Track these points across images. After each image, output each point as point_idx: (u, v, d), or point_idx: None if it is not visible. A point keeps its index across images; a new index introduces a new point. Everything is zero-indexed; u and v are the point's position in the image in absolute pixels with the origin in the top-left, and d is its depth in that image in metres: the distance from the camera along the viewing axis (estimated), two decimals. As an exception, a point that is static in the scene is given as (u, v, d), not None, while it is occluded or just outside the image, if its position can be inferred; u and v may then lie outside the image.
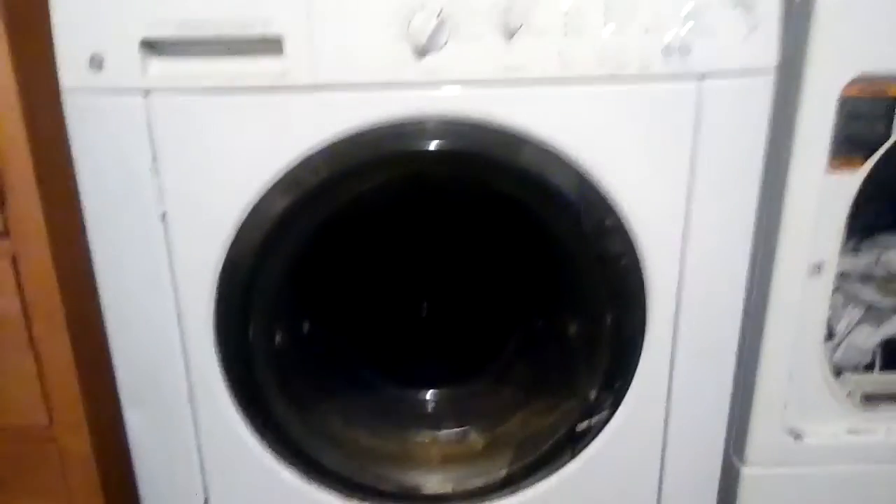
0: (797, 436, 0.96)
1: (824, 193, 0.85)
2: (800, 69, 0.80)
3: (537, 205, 0.79)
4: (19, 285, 0.87)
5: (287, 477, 0.89)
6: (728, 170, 0.79)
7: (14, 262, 0.86)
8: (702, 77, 0.74)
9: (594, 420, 0.87)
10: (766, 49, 0.74)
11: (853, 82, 0.80)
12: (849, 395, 0.98)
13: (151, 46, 0.71)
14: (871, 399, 0.99)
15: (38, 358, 0.91)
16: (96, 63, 0.70)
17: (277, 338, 0.87)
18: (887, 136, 0.84)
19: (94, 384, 0.95)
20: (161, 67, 0.71)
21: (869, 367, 1.03)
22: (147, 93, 0.72)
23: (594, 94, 0.74)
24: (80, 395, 0.93)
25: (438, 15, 0.69)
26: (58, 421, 0.94)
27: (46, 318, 0.89)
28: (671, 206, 0.79)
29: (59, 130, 0.75)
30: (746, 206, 0.81)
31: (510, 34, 0.71)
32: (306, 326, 0.96)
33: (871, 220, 1.05)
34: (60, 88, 0.72)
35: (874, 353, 1.02)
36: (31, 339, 0.89)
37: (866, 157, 0.84)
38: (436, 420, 0.99)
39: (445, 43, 0.71)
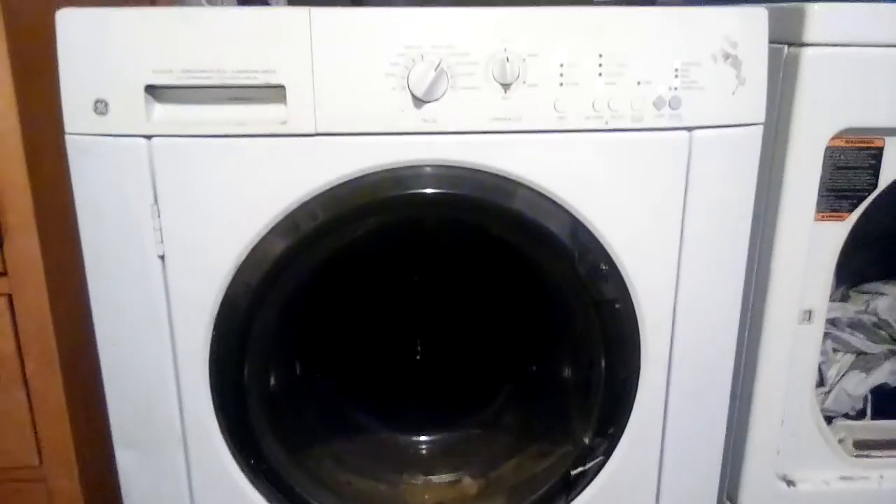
0: (790, 482, 0.96)
1: (813, 242, 0.86)
2: (787, 122, 0.82)
3: (532, 250, 0.81)
4: (14, 324, 0.87)
5: (278, 520, 0.88)
6: (719, 217, 0.80)
7: (10, 301, 0.86)
8: (692, 128, 0.76)
9: (588, 465, 0.86)
10: (754, 104, 0.77)
11: (839, 134, 0.83)
12: (841, 441, 0.98)
13: (155, 93, 0.72)
14: (863, 446, 0.99)
15: (30, 396, 0.90)
16: (100, 108, 0.72)
17: (272, 380, 0.87)
18: (874, 186, 0.86)
19: (86, 424, 0.94)
20: (164, 113, 0.73)
21: (860, 413, 1.03)
22: (150, 137, 0.73)
23: (588, 143, 0.76)
24: (72, 434, 0.93)
25: (437, 67, 0.71)
26: (48, 461, 0.93)
27: (40, 356, 0.89)
28: (664, 252, 0.80)
29: (60, 172, 0.76)
30: (737, 253, 0.82)
31: (507, 85, 0.73)
32: (300, 369, 0.96)
33: (859, 268, 1.07)
34: (64, 132, 0.74)
35: (865, 400, 1.03)
36: (24, 377, 0.89)
37: (853, 207, 0.86)
38: (429, 464, 0.98)
39: (444, 93, 0.72)
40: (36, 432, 0.92)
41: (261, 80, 0.71)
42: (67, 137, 0.73)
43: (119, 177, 0.74)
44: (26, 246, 0.84)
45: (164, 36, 0.71)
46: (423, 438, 1.02)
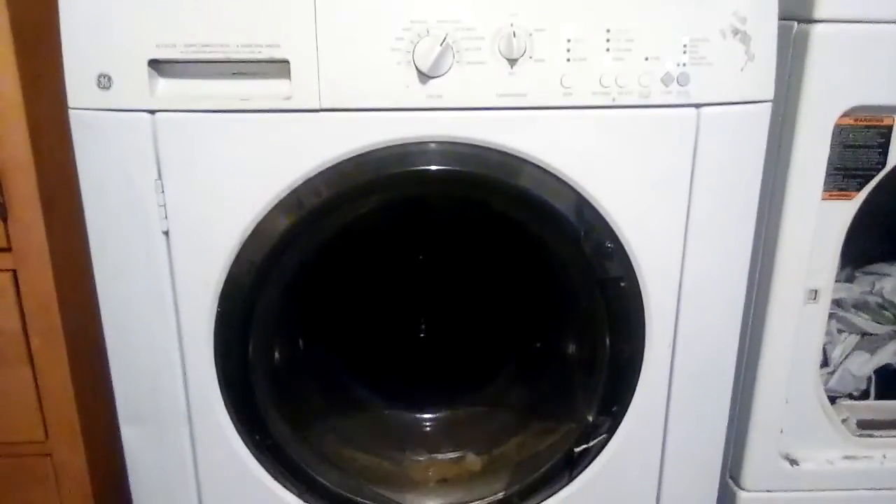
0: (793, 461, 0.97)
1: (820, 221, 0.86)
2: (796, 99, 0.81)
3: (537, 228, 0.80)
4: (19, 300, 0.87)
5: (283, 495, 0.88)
6: (726, 195, 0.80)
7: (15, 276, 0.86)
8: (700, 105, 0.75)
9: (592, 443, 0.87)
10: (763, 81, 0.76)
11: (848, 112, 0.82)
12: (844, 421, 0.99)
13: (159, 67, 0.72)
14: (867, 426, 0.99)
15: (35, 372, 0.91)
16: (104, 83, 0.71)
17: (276, 356, 0.87)
18: (882, 165, 0.85)
19: (91, 400, 0.95)
20: (168, 88, 0.72)
21: (864, 394, 1.03)
22: (153, 112, 0.73)
23: (595, 120, 0.75)
24: (77, 410, 0.93)
25: (443, 41, 0.70)
26: (53, 436, 0.94)
27: (45, 332, 0.89)
28: (670, 230, 0.80)
29: (64, 148, 0.76)
30: (744, 231, 0.82)
31: (513, 61, 0.72)
32: (305, 346, 0.96)
33: (865, 248, 1.06)
34: (67, 107, 0.73)
35: (869, 381, 1.03)
36: (29, 353, 0.90)
37: (861, 186, 0.86)
38: (433, 441, 0.99)
39: (449, 69, 0.72)
40: (42, 408, 0.92)
41: (265, 54, 0.71)
42: (71, 112, 0.73)
43: (123, 152, 0.74)
44: (30, 221, 0.84)
45: (167, 10, 0.70)
46: (427, 415, 1.03)
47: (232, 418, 0.84)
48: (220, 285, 0.78)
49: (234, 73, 0.72)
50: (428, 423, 1.02)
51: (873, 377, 1.03)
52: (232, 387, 0.83)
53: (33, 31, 0.79)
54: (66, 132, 0.74)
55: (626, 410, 0.86)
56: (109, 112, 0.72)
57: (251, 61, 0.71)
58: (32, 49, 0.80)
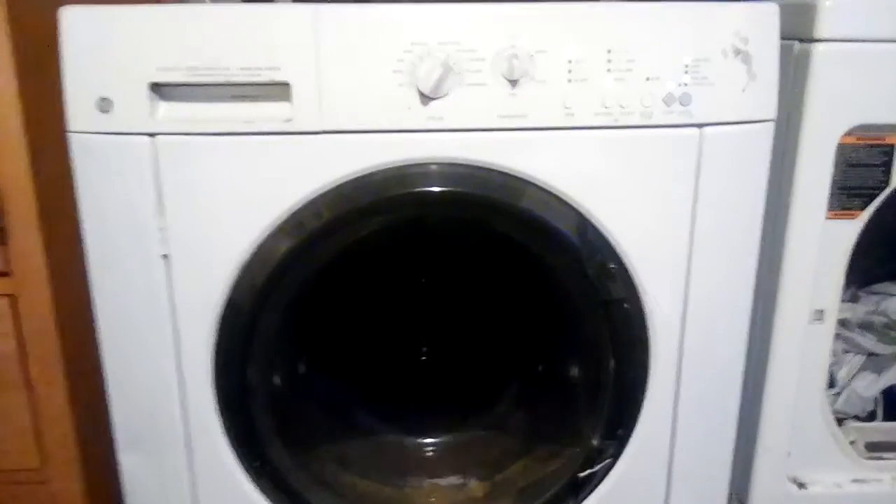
0: (801, 484, 0.95)
1: (824, 240, 0.86)
2: (798, 119, 0.81)
3: (540, 249, 0.80)
4: (17, 324, 0.86)
5: (283, 523, 0.87)
6: (729, 215, 0.79)
7: (13, 301, 0.86)
8: (702, 125, 0.75)
9: (597, 467, 0.85)
10: (765, 100, 0.76)
11: (851, 131, 0.82)
12: (852, 443, 0.97)
13: (159, 90, 0.72)
14: (876, 448, 0.98)
15: (32, 398, 0.89)
16: (104, 106, 0.71)
17: (275, 381, 0.86)
18: (886, 184, 0.85)
19: (89, 426, 0.93)
20: (168, 111, 0.72)
21: (872, 415, 1.02)
22: (154, 135, 0.72)
23: (597, 141, 0.75)
24: (74, 437, 0.92)
25: (443, 63, 0.70)
26: (50, 463, 0.93)
27: (43, 358, 0.88)
28: (673, 251, 0.80)
29: (63, 171, 0.75)
30: (748, 251, 0.81)
31: (514, 82, 0.72)
32: (305, 370, 0.95)
33: (870, 267, 1.06)
34: (67, 130, 0.73)
35: (876, 402, 1.02)
36: (27, 378, 0.88)
37: (865, 205, 0.85)
38: (435, 467, 0.98)
39: (451, 90, 0.72)
40: (39, 434, 0.91)
41: (266, 77, 0.71)
42: (71, 136, 0.73)
43: (123, 175, 0.74)
44: (29, 246, 0.84)
45: (168, 33, 0.70)
46: (428, 440, 1.01)
47: (231, 444, 0.83)
48: (220, 308, 0.78)
49: (234, 96, 0.72)
50: (429, 449, 1.01)
51: (881, 398, 1.02)
52: (231, 412, 0.82)
53: (35, 55, 0.79)
54: (65, 156, 0.73)
55: (631, 434, 0.85)
56: (110, 135, 0.72)
57: (252, 84, 0.71)
58: (34, 73, 0.80)
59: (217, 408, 0.82)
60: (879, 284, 1.12)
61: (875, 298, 1.09)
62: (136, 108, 0.71)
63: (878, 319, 1.06)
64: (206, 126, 0.72)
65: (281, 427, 0.86)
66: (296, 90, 0.71)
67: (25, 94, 0.79)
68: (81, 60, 0.71)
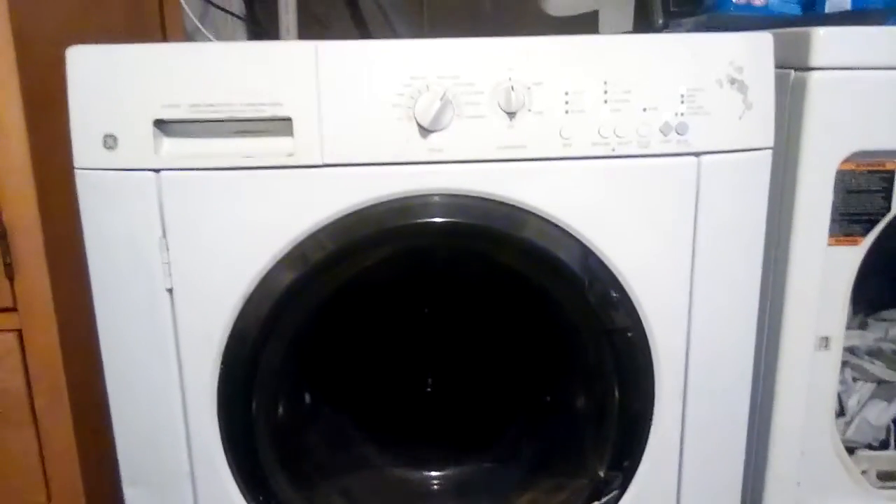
0: (812, 515, 0.94)
1: (827, 266, 0.85)
2: (796, 146, 0.81)
3: (542, 279, 0.80)
4: (24, 360, 0.87)
5: (287, 558, 0.86)
6: (730, 242, 0.79)
7: (20, 336, 0.86)
8: (700, 154, 0.76)
9: (604, 499, 0.84)
10: (762, 128, 0.76)
11: (850, 158, 0.82)
12: (864, 473, 0.96)
13: (164, 127, 0.73)
14: (888, 477, 0.96)
15: (39, 433, 0.90)
16: (110, 143, 0.72)
17: (280, 413, 0.86)
18: (887, 210, 0.85)
19: (94, 461, 0.93)
20: (172, 147, 0.73)
21: (884, 444, 1.00)
22: (158, 171, 0.74)
23: (595, 170, 0.75)
24: (80, 471, 0.92)
25: (442, 96, 0.72)
26: (56, 498, 0.92)
27: (49, 393, 0.88)
28: (675, 279, 0.79)
29: (69, 207, 0.77)
30: (750, 279, 0.81)
31: (512, 114, 0.73)
32: (309, 402, 0.95)
33: (877, 294, 1.05)
34: (73, 166, 0.74)
35: (888, 430, 1.00)
36: (33, 414, 0.89)
37: (867, 231, 0.85)
38: (440, 500, 0.96)
39: (450, 123, 0.73)
40: (44, 469, 0.91)
41: (268, 112, 0.72)
42: (77, 172, 0.74)
43: (128, 210, 0.75)
44: (36, 282, 0.84)
45: (172, 71, 0.72)
46: (434, 473, 1.00)
47: (235, 478, 0.83)
48: (224, 341, 0.78)
49: (237, 132, 0.73)
50: (435, 482, 1.00)
51: (892, 426, 1.00)
52: (235, 445, 0.82)
53: (42, 93, 0.81)
54: (72, 192, 0.75)
55: (637, 465, 0.84)
56: (115, 171, 0.73)
57: (254, 119, 0.72)
58: (41, 110, 0.81)
59: (221, 441, 0.81)
60: (888, 311, 1.11)
61: (884, 325, 1.09)
62: (140, 144, 0.72)
63: (888, 346, 1.05)
64: (209, 161, 0.73)
65: (285, 460, 0.85)
66: (297, 125, 0.72)
67: (33, 131, 0.80)
68: (88, 98, 0.72)
